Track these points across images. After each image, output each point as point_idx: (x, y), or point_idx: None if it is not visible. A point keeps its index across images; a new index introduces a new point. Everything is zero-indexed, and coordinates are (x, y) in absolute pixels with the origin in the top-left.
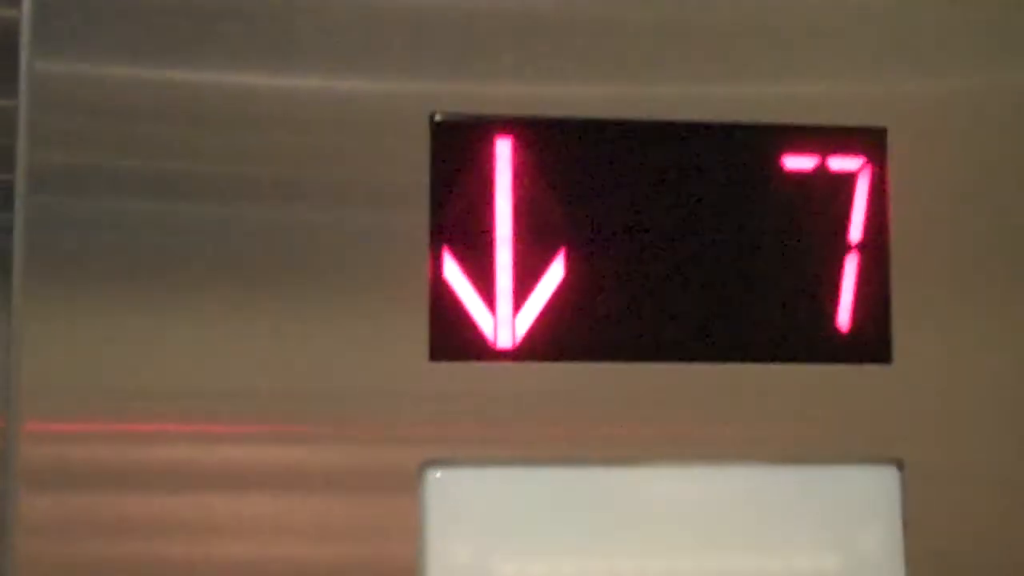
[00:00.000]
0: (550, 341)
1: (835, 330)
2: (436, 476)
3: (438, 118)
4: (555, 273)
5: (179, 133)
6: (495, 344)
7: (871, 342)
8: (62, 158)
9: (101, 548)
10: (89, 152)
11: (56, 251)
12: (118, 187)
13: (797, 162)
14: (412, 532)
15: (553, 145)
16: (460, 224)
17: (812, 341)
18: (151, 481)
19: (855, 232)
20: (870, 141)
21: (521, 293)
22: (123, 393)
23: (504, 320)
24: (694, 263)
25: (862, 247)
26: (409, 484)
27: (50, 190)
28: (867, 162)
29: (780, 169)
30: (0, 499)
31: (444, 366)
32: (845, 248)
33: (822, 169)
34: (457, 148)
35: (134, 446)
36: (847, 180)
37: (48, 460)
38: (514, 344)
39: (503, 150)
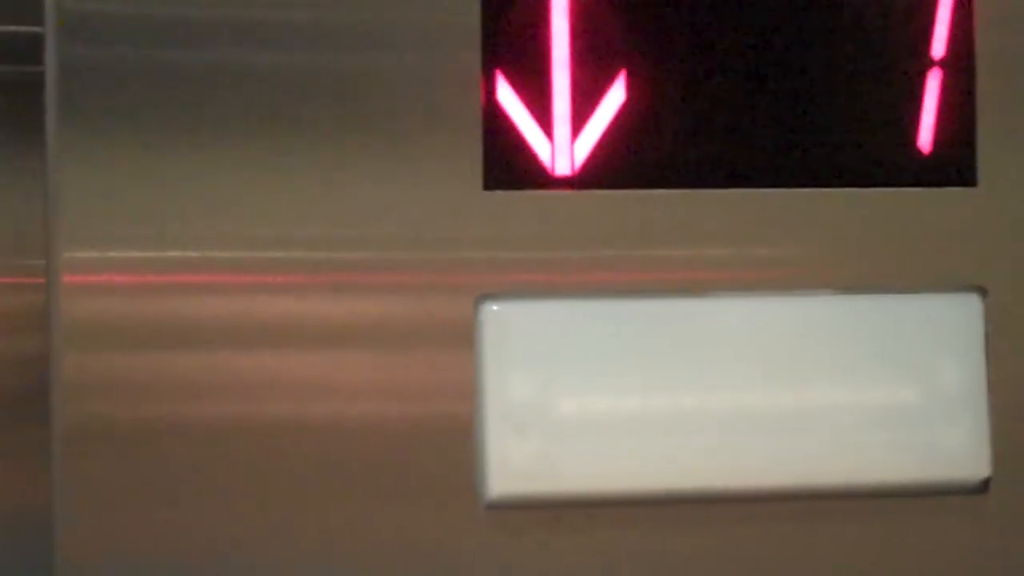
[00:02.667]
0: (611, 167)
1: (916, 151)
2: (492, 310)
3: None
4: (615, 96)
5: None
6: (553, 171)
7: (955, 164)
8: (93, 6)
9: (145, 407)
10: (122, 1)
11: (90, 101)
12: (154, 34)
13: None
14: (469, 369)
15: None
16: (514, 46)
17: (891, 163)
18: (196, 336)
19: (938, 47)
20: None
21: (580, 118)
22: (166, 244)
23: (562, 146)
24: (764, 82)
25: (945, 63)
26: (465, 319)
27: (81, 39)
28: None
29: None
30: (43, 359)
31: (499, 195)
32: (927, 64)
33: None
34: None
35: (177, 299)
36: None
37: (89, 316)
38: (573, 171)
39: None
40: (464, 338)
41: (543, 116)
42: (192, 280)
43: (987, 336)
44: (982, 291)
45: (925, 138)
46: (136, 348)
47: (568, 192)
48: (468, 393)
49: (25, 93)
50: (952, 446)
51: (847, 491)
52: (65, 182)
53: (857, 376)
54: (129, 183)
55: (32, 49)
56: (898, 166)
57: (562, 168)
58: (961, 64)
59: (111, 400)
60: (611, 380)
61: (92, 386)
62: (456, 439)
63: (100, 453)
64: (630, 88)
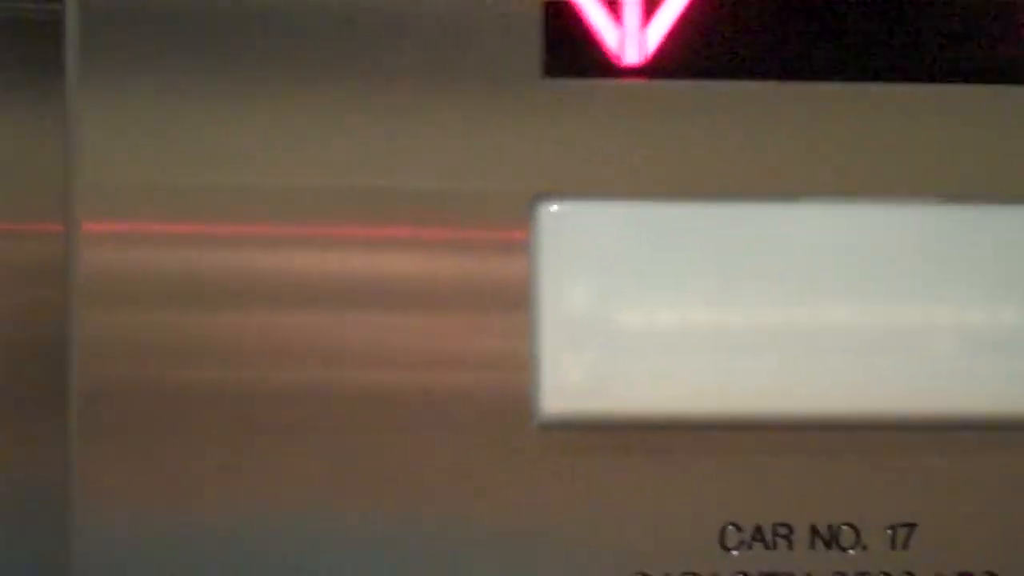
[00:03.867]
0: (686, 56)
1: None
2: (551, 210)
3: None
4: None
5: None
6: (621, 60)
7: None
8: None
9: (168, 367)
10: None
11: (111, 41)
12: None
13: None
14: (524, 274)
15: None
16: None
17: (1001, 58)
18: (224, 292)
19: None
20: None
21: (652, 1)
22: (192, 191)
23: (632, 32)
24: None
25: None
26: (520, 219)
27: None
28: None
29: None
30: (62, 313)
31: (560, 83)
32: None
33: None
34: None
35: (203, 250)
36: None
37: (110, 267)
38: (643, 59)
39: None
40: (519, 241)
41: None
42: (222, 231)
43: None
44: None
45: None
46: (160, 303)
47: (638, 82)
48: (523, 302)
49: (44, 31)
50: None
51: (944, 422)
52: (85, 124)
53: (953, 294)
54: (154, 125)
55: None
56: (1007, 61)
57: (631, 56)
58: None
59: (132, 358)
60: (679, 293)
61: (112, 342)
62: (510, 352)
63: (120, 412)
64: None
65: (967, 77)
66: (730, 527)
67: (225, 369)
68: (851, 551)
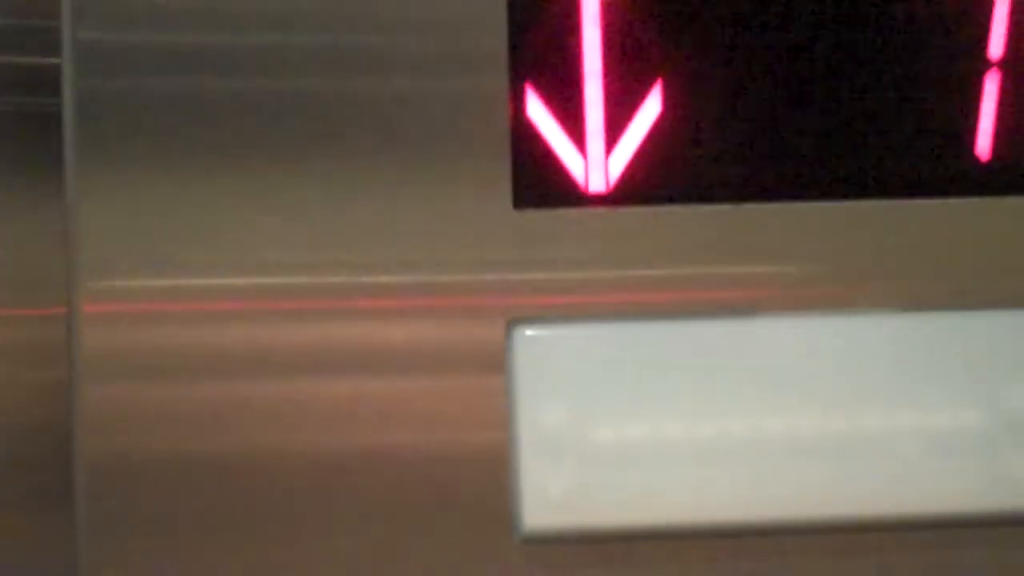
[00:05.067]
0: (647, 183)
1: (974, 159)
2: (526, 334)
3: None
4: (651, 108)
5: (230, 5)
6: (586, 188)
7: (1017, 171)
8: (110, 36)
9: (168, 438)
10: (137, 28)
11: (108, 132)
12: (172, 63)
13: None
14: (501, 395)
15: None
16: (543, 57)
17: (949, 172)
18: (220, 365)
19: (995, 47)
20: None
21: (614, 131)
22: (187, 271)
23: (596, 161)
24: (807, 89)
25: (1004, 64)
26: (497, 344)
27: (98, 70)
28: None
29: None
30: (65, 390)
31: (530, 214)
32: (984, 65)
33: None
34: None
35: (201, 327)
36: None
37: (111, 345)
38: (607, 187)
39: None
40: (496, 364)
41: (575, 130)
42: (215, 307)
43: None
44: None
45: (984, 144)
46: (159, 377)
47: (603, 209)
48: (501, 421)
49: (43, 124)
50: (1022, 473)
51: (910, 522)
52: (84, 212)
53: (919, 399)
54: (149, 211)
55: (49, 80)
56: (957, 175)
57: (596, 184)
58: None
59: (134, 431)
60: (650, 406)
61: (115, 417)
62: (489, 469)
63: (124, 485)
64: (666, 99)
65: (918, 192)
66: None
67: (223, 440)
68: None
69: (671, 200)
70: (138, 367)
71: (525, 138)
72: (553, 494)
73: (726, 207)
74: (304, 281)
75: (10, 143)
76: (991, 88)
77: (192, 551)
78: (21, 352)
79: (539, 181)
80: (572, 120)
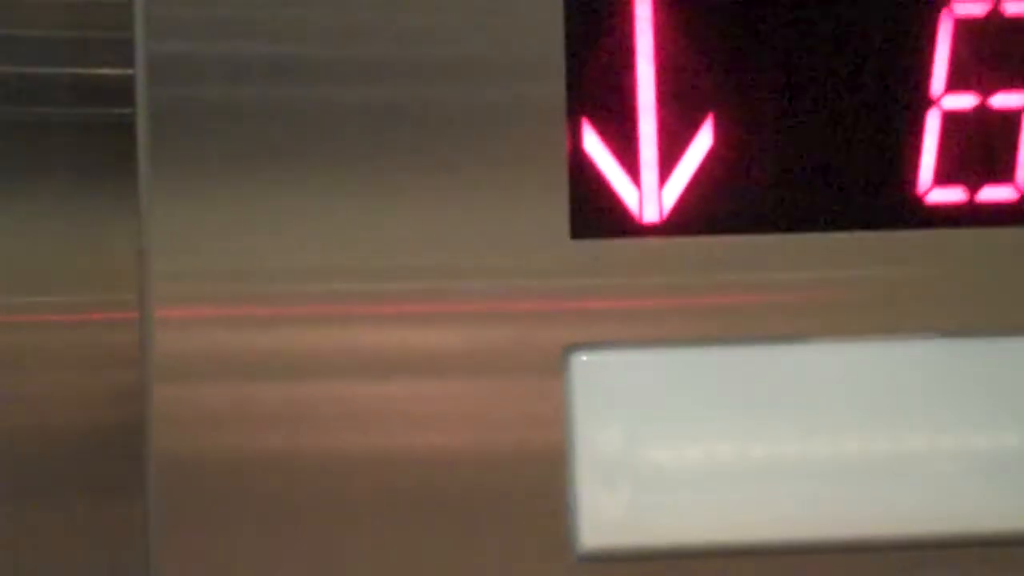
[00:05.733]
0: (700, 213)
1: (1014, 190)
2: (582, 360)
3: None
4: (703, 141)
5: (292, 12)
6: (641, 219)
7: None
8: (183, 47)
9: (239, 440)
10: (208, 39)
11: (180, 141)
12: (242, 73)
13: (968, 7)
14: (558, 420)
15: (695, 3)
16: (599, 92)
17: (987, 204)
18: (290, 368)
19: None
20: None
21: (667, 164)
22: (257, 277)
23: (650, 193)
24: (855, 123)
25: None
26: (554, 369)
27: (171, 80)
28: None
29: (950, 15)
30: (138, 394)
31: (587, 244)
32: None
33: (995, 14)
34: (592, 10)
35: (269, 331)
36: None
37: (183, 349)
38: (661, 218)
39: (642, 10)
40: (553, 389)
41: (630, 163)
42: (282, 312)
43: None
44: None
45: (1022, 176)
46: (228, 381)
47: (657, 239)
48: (558, 444)
49: (117, 134)
50: None
51: (952, 540)
52: (157, 221)
53: (958, 422)
54: (220, 219)
55: (123, 91)
56: (992, 206)
57: (650, 215)
58: None
59: (206, 434)
60: (703, 430)
61: (187, 420)
62: (547, 491)
63: (196, 487)
64: (718, 132)
65: (955, 222)
66: None
67: (289, 440)
68: None
69: (722, 230)
70: (207, 370)
71: (582, 170)
72: (610, 515)
73: (774, 237)
74: (367, 288)
75: (86, 152)
76: None
77: (257, 545)
78: (98, 356)
79: (595, 212)
80: (627, 153)
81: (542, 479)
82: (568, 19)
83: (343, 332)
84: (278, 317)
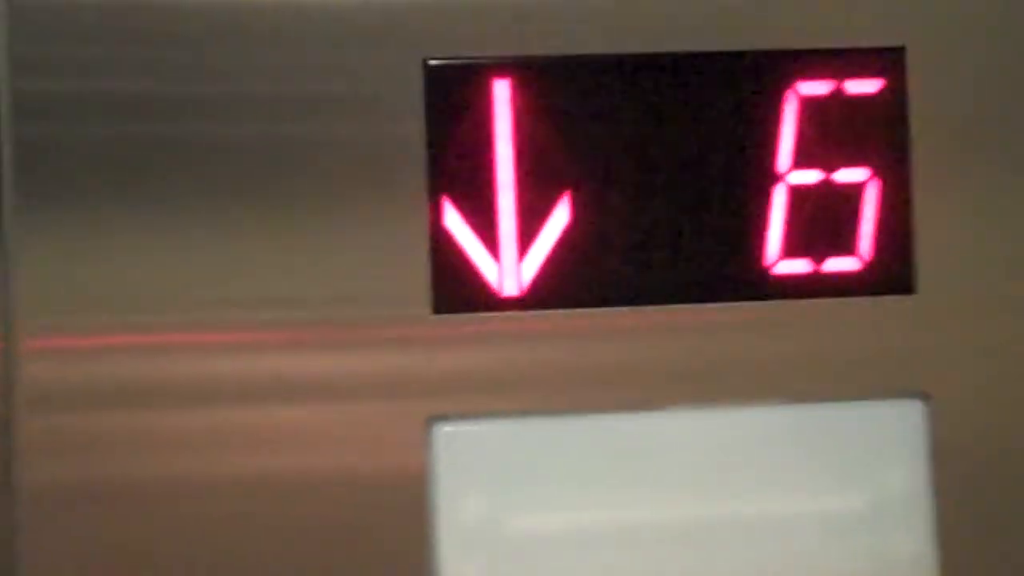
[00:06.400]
0: (558, 287)
1: (857, 262)
2: (444, 431)
3: (432, 62)
4: (560, 217)
5: (167, 54)
6: (500, 292)
7: (893, 273)
8: (45, 84)
9: (109, 468)
10: (73, 77)
11: (45, 176)
12: (108, 110)
13: (812, 87)
14: (421, 489)
15: (552, 84)
16: (459, 171)
17: (832, 275)
18: (157, 396)
19: (874, 159)
20: (888, 60)
21: (525, 239)
22: (122, 306)
23: (509, 267)
24: (705, 201)
25: (882, 174)
26: (417, 440)
27: (36, 117)
28: (886, 84)
29: (795, 95)
30: (5, 424)
31: (448, 318)
32: (865, 175)
33: (838, 93)
34: (453, 92)
35: (137, 360)
36: (865, 102)
37: (51, 379)
38: (520, 292)
39: (501, 92)
40: (416, 460)
41: (489, 239)
42: (148, 341)
43: (931, 441)
44: (925, 396)
45: (865, 248)
46: (95, 409)
47: (516, 312)
48: (420, 514)
49: None
50: (900, 553)
51: None
52: (23, 252)
53: (804, 485)
54: (86, 252)
55: None
56: (839, 277)
57: (510, 289)
58: (897, 177)
59: (73, 463)
60: (562, 498)
61: (54, 449)
62: (409, 559)
63: (64, 516)
64: (574, 209)
65: (802, 293)
66: None
67: (154, 468)
68: None
69: (579, 304)
70: (74, 400)
71: (443, 247)
72: None
73: (629, 310)
74: (237, 318)
75: None
76: (871, 196)
77: (124, 571)
78: None
79: (456, 287)
80: (487, 229)
81: (404, 547)
82: (428, 99)
83: (214, 360)
84: (143, 347)
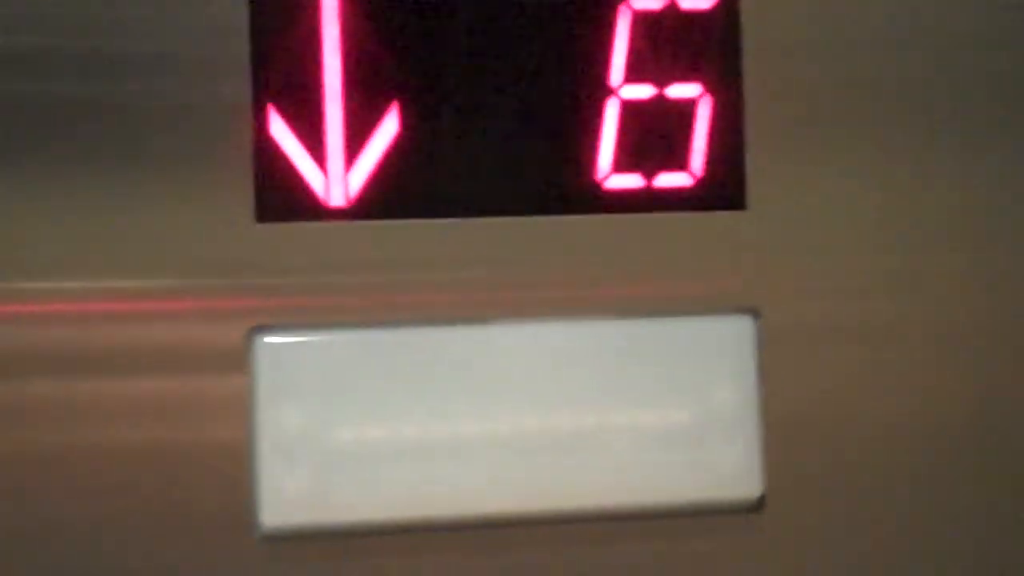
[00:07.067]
0: (385, 198)
1: (689, 177)
2: (266, 342)
3: None
4: (388, 128)
5: None
6: (327, 203)
7: (725, 189)
8: None
9: None
10: None
11: None
12: None
13: (645, 1)
14: (242, 402)
15: None
16: (285, 79)
17: (663, 190)
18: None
19: (707, 75)
20: None
21: (353, 150)
22: None
23: (336, 178)
24: (535, 113)
25: (714, 90)
26: (238, 352)
27: None
28: (719, 3)
29: (628, 9)
30: None
31: (272, 227)
32: (697, 91)
33: (672, 8)
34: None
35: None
36: (698, 18)
37: None
38: (347, 202)
39: (329, 0)
40: (237, 369)
41: (316, 148)
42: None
43: (759, 357)
44: (754, 313)
45: (697, 164)
46: None
47: (342, 223)
48: (241, 424)
49: None
50: (726, 465)
51: (625, 512)
52: None
53: (633, 399)
54: None
55: None
56: (669, 192)
57: (336, 199)
58: (729, 92)
59: None
60: (387, 409)
61: None
62: (229, 471)
63: None
64: (403, 120)
65: (624, 207)
66: None
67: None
68: None
69: (406, 215)
70: None
71: (267, 155)
72: (291, 494)
73: (455, 221)
74: (55, 286)
75: None
76: (703, 112)
77: None
78: None
79: (281, 196)
80: (314, 138)
81: (225, 461)
82: (254, 8)
83: (23, 330)
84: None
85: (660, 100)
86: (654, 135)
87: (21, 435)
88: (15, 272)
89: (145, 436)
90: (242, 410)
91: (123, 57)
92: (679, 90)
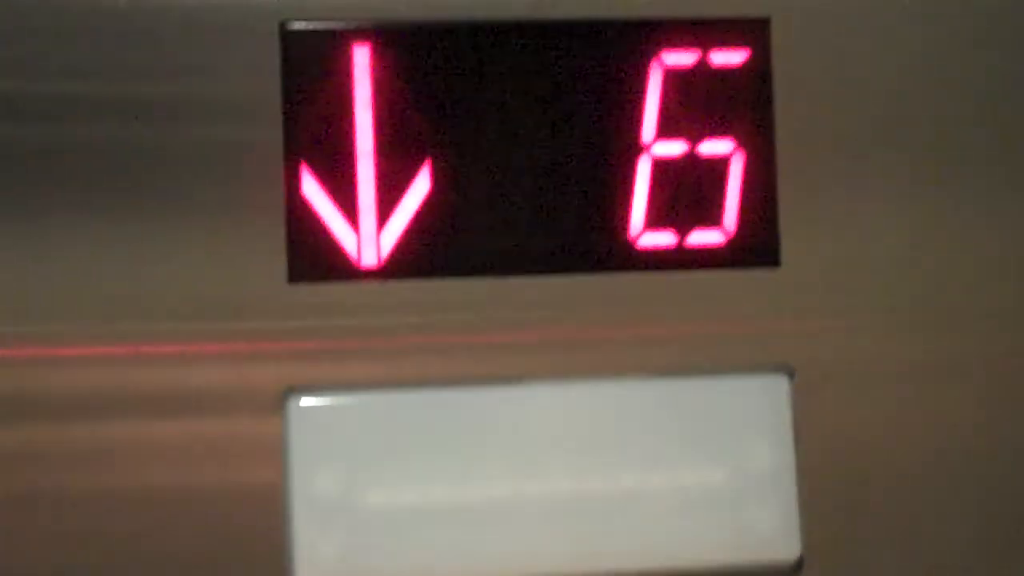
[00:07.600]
0: (418, 257)
1: (722, 235)
2: (300, 403)
3: (290, 26)
4: (421, 186)
5: (16, 50)
6: (359, 263)
7: (758, 245)
8: None
9: None
10: None
11: None
12: None
13: (677, 58)
14: (276, 462)
15: (413, 51)
16: (317, 138)
17: (696, 248)
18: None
19: (739, 131)
20: (753, 32)
21: (385, 208)
22: None
23: (368, 237)
24: (567, 171)
25: (746, 146)
26: (272, 412)
27: None
28: (751, 55)
29: (659, 66)
30: None
31: (305, 288)
32: (729, 148)
33: (703, 64)
34: (311, 58)
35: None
36: (730, 74)
37: None
38: (379, 262)
39: (360, 58)
40: (271, 432)
41: (348, 207)
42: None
43: (795, 416)
44: (789, 371)
45: (730, 221)
46: None
47: (375, 283)
48: (276, 488)
49: None
50: (764, 527)
51: (664, 574)
52: None
53: (669, 459)
54: None
55: None
56: (704, 250)
57: (368, 259)
58: (761, 149)
59: None
60: (421, 471)
61: None
62: (264, 532)
63: None
64: (435, 178)
65: (665, 265)
66: None
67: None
68: None
69: (440, 274)
70: None
71: (299, 215)
72: (325, 555)
73: (489, 280)
74: (85, 329)
75: None
76: (736, 170)
77: None
78: None
79: (313, 256)
80: (346, 198)
81: (260, 523)
82: (286, 64)
83: (61, 373)
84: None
85: (692, 157)
86: (686, 192)
87: (56, 480)
88: (35, 317)
89: (179, 490)
90: (275, 472)
91: (159, 108)
92: (711, 146)
